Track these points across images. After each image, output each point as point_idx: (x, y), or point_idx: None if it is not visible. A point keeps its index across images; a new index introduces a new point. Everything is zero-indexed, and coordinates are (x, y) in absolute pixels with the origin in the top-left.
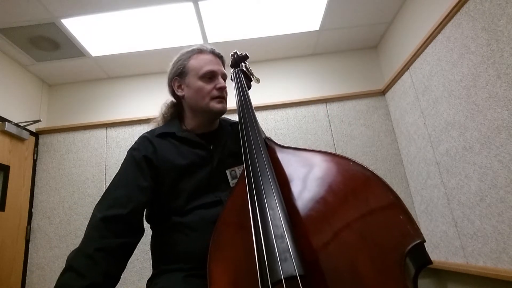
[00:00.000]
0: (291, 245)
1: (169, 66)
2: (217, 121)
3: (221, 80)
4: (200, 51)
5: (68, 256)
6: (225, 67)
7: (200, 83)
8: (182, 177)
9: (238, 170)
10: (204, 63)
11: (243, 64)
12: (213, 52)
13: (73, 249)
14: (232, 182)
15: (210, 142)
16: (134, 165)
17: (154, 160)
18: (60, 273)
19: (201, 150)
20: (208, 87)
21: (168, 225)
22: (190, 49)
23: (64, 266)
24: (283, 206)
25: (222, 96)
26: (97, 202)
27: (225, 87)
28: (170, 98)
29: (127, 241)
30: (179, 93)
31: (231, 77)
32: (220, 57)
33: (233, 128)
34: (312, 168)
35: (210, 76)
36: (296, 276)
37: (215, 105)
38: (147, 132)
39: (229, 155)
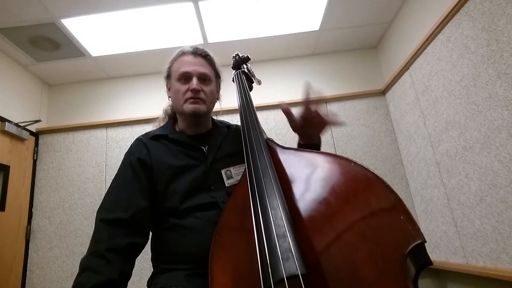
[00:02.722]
0: (293, 245)
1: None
2: (208, 123)
3: (194, 81)
4: (182, 53)
5: (81, 261)
6: (216, 65)
7: (177, 85)
8: (176, 177)
9: (233, 170)
10: (182, 64)
11: (244, 66)
12: (194, 53)
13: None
14: (227, 182)
15: (203, 143)
16: (131, 169)
17: (148, 162)
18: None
19: (194, 151)
20: (183, 88)
21: (167, 226)
22: (177, 51)
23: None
24: (285, 206)
25: (196, 97)
26: (98, 205)
27: (198, 89)
28: None
29: (135, 241)
30: (168, 94)
31: (233, 78)
32: (203, 56)
33: (230, 130)
34: (313, 169)
35: (185, 78)
36: (298, 275)
37: (188, 106)
38: (141, 135)
39: (224, 156)
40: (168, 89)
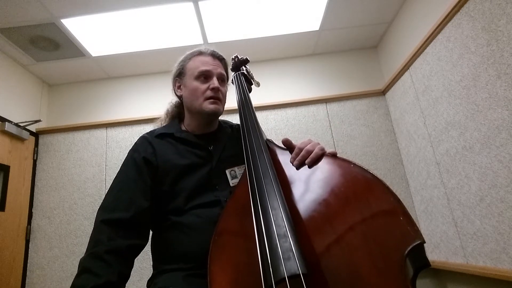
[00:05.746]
0: (294, 245)
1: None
2: (215, 123)
3: (215, 80)
4: (200, 52)
5: (80, 261)
6: (228, 70)
7: (195, 84)
8: (182, 177)
9: (238, 170)
10: (201, 63)
11: (243, 68)
12: (213, 54)
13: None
14: (232, 182)
15: (209, 143)
16: (134, 168)
17: (153, 161)
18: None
19: (200, 151)
20: (202, 87)
21: (168, 224)
22: (192, 50)
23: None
24: (285, 206)
25: (216, 97)
26: (99, 204)
27: (219, 88)
28: (175, 98)
29: (135, 243)
30: (178, 93)
31: (232, 80)
32: (220, 59)
33: (233, 130)
34: (313, 170)
35: (205, 76)
36: (300, 274)
37: (208, 105)
38: (147, 133)
39: (228, 156)
40: (178, 87)
